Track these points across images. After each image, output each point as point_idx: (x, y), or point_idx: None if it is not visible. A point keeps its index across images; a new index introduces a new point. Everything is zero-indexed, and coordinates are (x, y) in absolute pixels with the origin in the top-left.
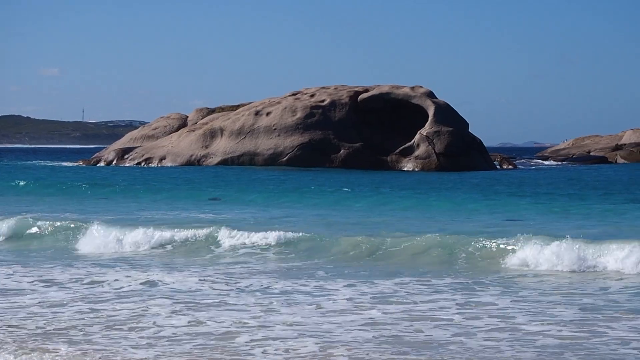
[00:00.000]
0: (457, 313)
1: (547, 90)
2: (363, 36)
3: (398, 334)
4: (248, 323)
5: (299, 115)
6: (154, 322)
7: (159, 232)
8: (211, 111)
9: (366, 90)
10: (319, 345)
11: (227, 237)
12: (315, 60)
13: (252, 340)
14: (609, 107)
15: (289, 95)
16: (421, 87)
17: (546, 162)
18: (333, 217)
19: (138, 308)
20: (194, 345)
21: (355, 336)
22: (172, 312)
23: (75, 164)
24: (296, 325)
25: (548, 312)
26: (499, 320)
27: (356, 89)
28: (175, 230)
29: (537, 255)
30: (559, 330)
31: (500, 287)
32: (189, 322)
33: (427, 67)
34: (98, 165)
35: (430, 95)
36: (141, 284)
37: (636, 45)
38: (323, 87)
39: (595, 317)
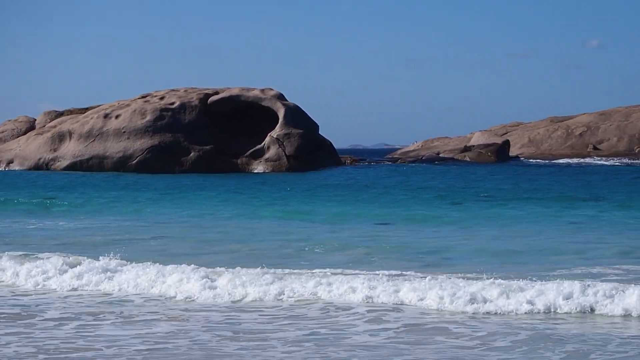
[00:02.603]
0: None
1: (397, 93)
2: (212, 39)
3: None
4: None
5: (148, 117)
6: None
7: None
8: (60, 114)
9: (216, 93)
10: None
11: None
12: (164, 63)
13: None
14: (457, 110)
15: (139, 98)
16: (271, 89)
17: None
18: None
19: None
20: None
21: None
22: None
23: None
24: None
25: None
26: None
27: (206, 92)
28: None
29: None
30: None
31: None
32: None
33: (277, 69)
34: None
35: (280, 97)
36: None
37: (483, 48)
38: (173, 90)
39: None
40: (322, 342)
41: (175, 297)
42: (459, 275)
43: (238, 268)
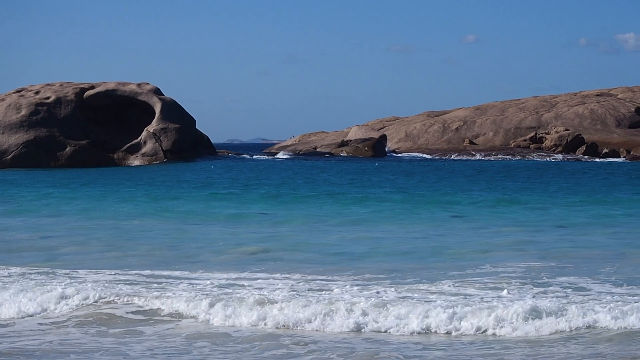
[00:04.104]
0: None
1: (275, 88)
2: (86, 32)
3: None
4: None
5: (23, 112)
6: None
7: None
8: None
9: (92, 87)
10: None
11: None
12: (39, 57)
13: None
14: (335, 104)
15: (13, 92)
16: (148, 84)
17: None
18: None
19: None
20: None
21: None
22: None
23: None
24: None
25: None
26: None
27: (82, 86)
28: None
29: None
30: None
31: None
32: None
33: (154, 64)
34: None
35: (157, 92)
36: None
37: (362, 44)
38: (48, 84)
39: None
40: None
41: None
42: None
43: None
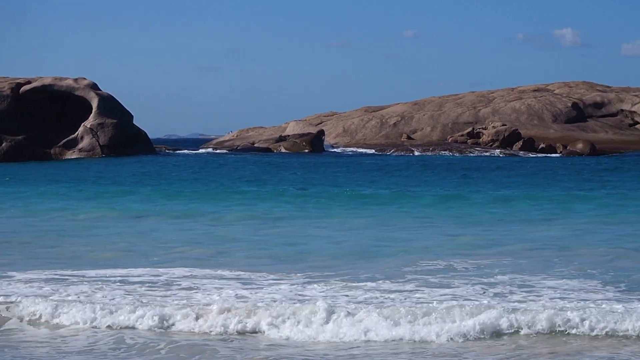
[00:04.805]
0: None
1: (213, 82)
2: (22, 27)
3: None
4: None
5: None
6: None
7: None
8: None
9: (29, 82)
10: None
11: None
12: None
13: None
14: (274, 99)
15: None
16: (84, 79)
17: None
18: None
19: None
20: None
21: None
22: None
23: None
24: None
25: None
26: None
27: (18, 81)
28: None
29: None
30: None
31: None
32: None
33: (91, 59)
34: None
35: (94, 87)
36: None
37: (300, 39)
38: None
39: None
40: None
41: None
42: None
43: None
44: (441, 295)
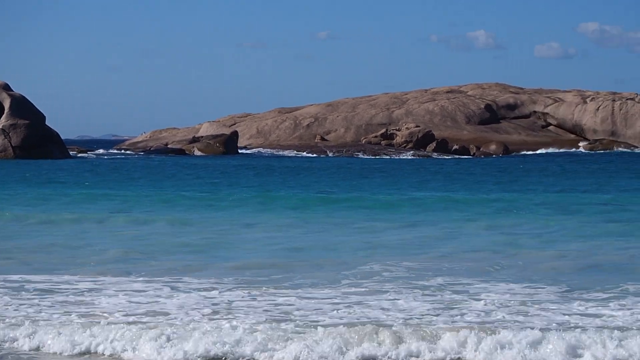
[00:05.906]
0: None
1: (126, 83)
2: None
3: None
4: None
5: None
6: None
7: None
8: None
9: None
10: None
11: None
12: None
13: None
14: (186, 100)
15: None
16: None
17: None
18: None
19: None
20: None
21: None
22: None
23: None
24: None
25: None
26: None
27: None
28: None
29: None
30: None
31: None
32: None
33: (2, 59)
34: None
35: (6, 87)
36: None
37: (212, 39)
38: None
39: None
40: None
41: None
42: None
43: None
44: None
